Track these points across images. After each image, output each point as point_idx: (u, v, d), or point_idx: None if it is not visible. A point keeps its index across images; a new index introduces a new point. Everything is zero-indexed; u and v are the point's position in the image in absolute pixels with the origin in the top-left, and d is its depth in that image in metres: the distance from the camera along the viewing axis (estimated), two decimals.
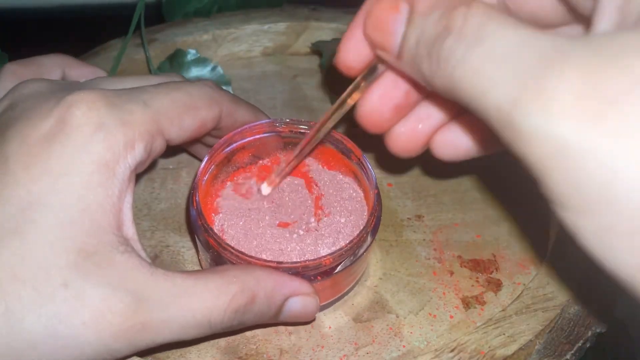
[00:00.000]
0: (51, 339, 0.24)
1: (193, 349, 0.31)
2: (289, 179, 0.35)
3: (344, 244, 0.30)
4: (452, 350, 0.30)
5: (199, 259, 0.36)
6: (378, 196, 0.32)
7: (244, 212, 0.33)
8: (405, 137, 0.29)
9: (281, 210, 0.34)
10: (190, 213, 0.31)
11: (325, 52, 0.47)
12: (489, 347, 0.30)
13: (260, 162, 0.36)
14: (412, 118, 0.29)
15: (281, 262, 0.29)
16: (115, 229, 0.26)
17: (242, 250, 0.30)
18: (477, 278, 0.35)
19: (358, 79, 0.27)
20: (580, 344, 0.30)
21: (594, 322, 0.31)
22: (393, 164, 0.41)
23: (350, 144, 0.34)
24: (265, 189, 0.33)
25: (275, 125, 0.35)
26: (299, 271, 0.29)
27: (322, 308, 0.33)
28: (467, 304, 0.34)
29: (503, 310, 0.32)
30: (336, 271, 0.30)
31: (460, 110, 0.29)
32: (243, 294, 0.27)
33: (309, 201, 0.34)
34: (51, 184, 0.25)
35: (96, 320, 0.24)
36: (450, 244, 0.37)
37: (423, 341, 0.32)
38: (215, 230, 0.31)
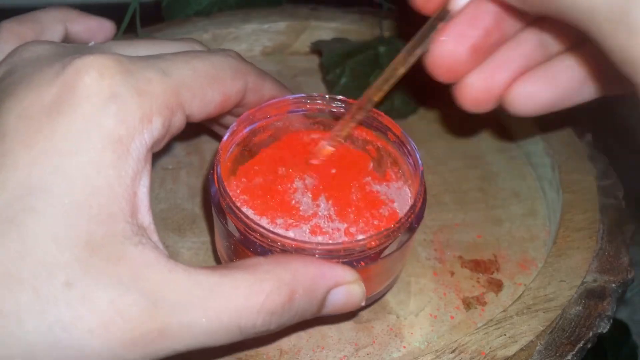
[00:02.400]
0: (53, 350, 0.21)
1: None
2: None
3: (390, 225, 0.27)
4: (452, 351, 0.29)
5: (216, 249, 0.32)
6: (422, 174, 0.29)
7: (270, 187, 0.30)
8: (480, 86, 0.26)
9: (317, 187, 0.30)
10: (211, 191, 0.27)
11: (325, 51, 0.47)
12: (490, 347, 0.30)
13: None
14: (490, 64, 0.26)
15: (320, 243, 0.25)
16: (128, 216, 0.22)
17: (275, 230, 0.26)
18: (478, 278, 0.35)
19: (432, 18, 0.25)
20: (581, 345, 0.30)
21: (595, 322, 0.31)
22: None
23: (387, 120, 0.31)
24: (323, 149, 0.30)
25: (304, 101, 0.31)
26: (340, 255, 0.26)
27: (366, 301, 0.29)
28: (467, 304, 0.34)
29: (504, 310, 0.31)
30: (382, 255, 0.27)
31: (545, 51, 0.26)
32: (279, 291, 0.23)
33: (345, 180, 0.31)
34: (55, 166, 0.21)
35: (105, 327, 0.21)
36: (451, 244, 0.37)
37: (423, 342, 0.32)
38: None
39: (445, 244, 0.37)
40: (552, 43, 0.27)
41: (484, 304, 0.34)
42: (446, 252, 0.36)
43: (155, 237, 0.24)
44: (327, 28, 0.50)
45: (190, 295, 0.22)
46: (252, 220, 0.25)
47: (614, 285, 0.32)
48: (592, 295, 0.32)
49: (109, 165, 0.22)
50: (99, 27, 0.31)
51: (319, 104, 0.32)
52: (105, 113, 0.22)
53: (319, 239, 0.28)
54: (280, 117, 0.32)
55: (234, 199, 0.27)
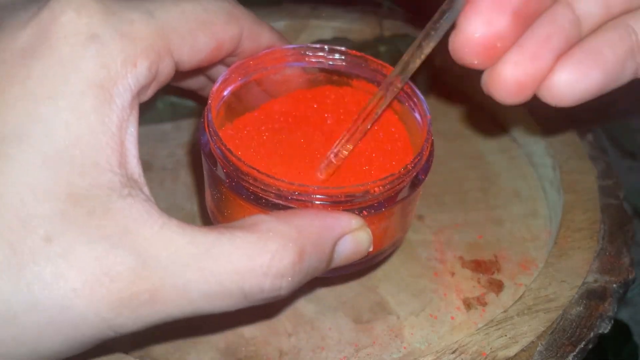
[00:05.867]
0: (34, 311, 0.19)
1: (191, 349, 0.31)
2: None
3: (395, 172, 0.25)
4: (453, 352, 0.29)
5: (209, 211, 0.30)
6: (430, 122, 0.27)
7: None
8: (523, 68, 0.22)
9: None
10: (201, 140, 0.26)
11: None
12: (491, 348, 0.29)
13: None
14: (529, 41, 0.22)
15: (320, 187, 0.24)
16: (115, 167, 0.21)
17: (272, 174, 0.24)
18: (479, 279, 0.35)
19: None
20: (582, 345, 0.30)
21: (596, 323, 0.31)
22: None
23: (386, 69, 0.29)
24: (329, 164, 0.27)
25: (303, 52, 0.29)
26: (341, 200, 0.24)
27: (368, 261, 0.28)
28: (468, 305, 0.34)
29: (505, 311, 0.31)
30: (386, 206, 0.25)
31: (578, 28, 0.23)
32: (286, 250, 0.21)
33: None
34: (31, 111, 0.20)
35: (90, 287, 0.19)
36: (452, 244, 0.37)
37: (424, 342, 0.32)
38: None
39: (445, 244, 0.37)
40: (584, 18, 0.24)
41: (485, 304, 0.34)
42: (447, 252, 0.36)
43: (146, 190, 0.22)
44: (327, 27, 0.50)
45: (184, 254, 0.20)
46: (244, 162, 0.23)
47: (615, 285, 0.32)
48: (593, 296, 0.32)
49: (91, 111, 0.20)
50: None
51: (319, 55, 0.30)
52: (84, 55, 0.20)
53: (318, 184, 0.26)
54: (277, 70, 0.29)
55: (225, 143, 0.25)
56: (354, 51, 0.30)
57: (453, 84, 0.46)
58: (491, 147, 0.43)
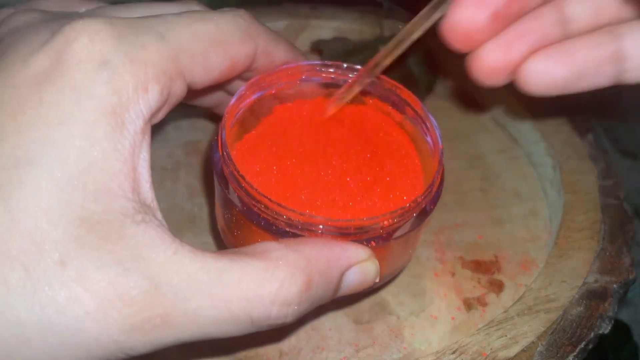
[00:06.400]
0: (48, 334, 0.19)
1: (191, 350, 0.31)
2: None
3: (405, 204, 0.25)
4: (453, 352, 0.29)
5: (219, 228, 0.30)
6: (442, 153, 0.27)
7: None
8: (497, 55, 0.25)
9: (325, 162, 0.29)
10: (214, 158, 0.25)
11: (325, 51, 0.47)
12: (491, 348, 0.29)
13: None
14: (508, 34, 0.25)
15: (330, 219, 0.24)
16: (128, 192, 0.21)
17: (284, 203, 0.24)
18: (479, 279, 0.35)
19: None
20: (582, 346, 0.30)
21: (597, 323, 0.31)
22: None
23: (405, 94, 0.29)
24: (327, 110, 0.29)
25: (318, 69, 0.30)
26: (350, 232, 0.24)
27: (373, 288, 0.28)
28: (468, 305, 0.34)
29: (505, 311, 0.31)
30: (395, 236, 0.25)
31: (565, 28, 0.26)
32: (294, 279, 0.21)
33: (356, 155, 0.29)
34: (44, 136, 0.20)
35: (103, 310, 0.19)
36: (452, 244, 0.37)
37: (424, 343, 0.32)
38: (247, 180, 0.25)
39: (446, 245, 0.37)
40: (573, 20, 0.27)
41: (485, 304, 0.34)
42: (447, 252, 0.36)
43: (159, 215, 0.22)
44: (328, 27, 0.50)
45: (196, 280, 0.20)
46: (256, 190, 0.24)
47: (615, 285, 0.32)
48: (593, 296, 0.32)
49: (104, 138, 0.20)
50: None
51: (333, 72, 0.30)
52: (96, 81, 0.21)
53: (329, 213, 0.26)
54: (292, 85, 0.30)
55: (238, 166, 0.25)
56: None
57: (453, 84, 0.46)
58: (491, 147, 0.43)
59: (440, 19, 0.24)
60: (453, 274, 0.35)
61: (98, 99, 0.21)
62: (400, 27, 0.26)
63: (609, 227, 0.35)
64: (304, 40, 0.50)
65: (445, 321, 0.33)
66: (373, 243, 0.25)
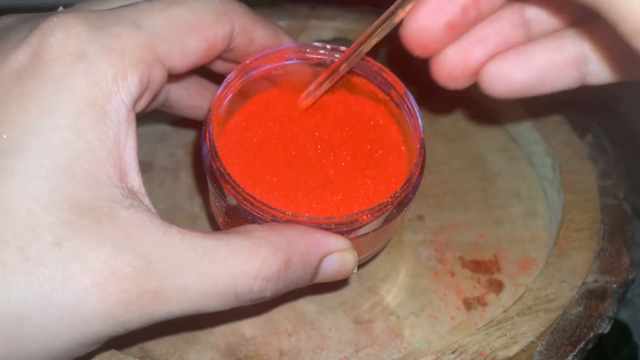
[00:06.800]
0: (47, 310, 0.20)
1: (191, 349, 0.31)
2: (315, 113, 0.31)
3: (383, 199, 0.26)
4: (453, 352, 0.29)
5: (212, 212, 0.31)
6: (423, 143, 0.28)
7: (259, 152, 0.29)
8: (455, 61, 0.25)
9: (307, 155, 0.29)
10: (202, 152, 0.26)
11: None
12: (491, 348, 0.29)
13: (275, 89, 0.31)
14: (466, 40, 0.25)
15: (312, 218, 0.25)
16: (116, 180, 0.22)
17: (266, 202, 0.25)
18: (479, 279, 0.35)
19: None
20: (582, 346, 0.30)
21: (596, 323, 0.31)
22: None
23: (391, 77, 0.30)
24: (304, 100, 0.29)
25: (304, 51, 0.30)
26: (332, 228, 0.25)
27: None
28: (468, 305, 0.34)
29: (505, 311, 0.31)
30: (374, 229, 0.27)
31: (526, 31, 0.26)
32: (275, 257, 0.23)
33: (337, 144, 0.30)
34: (28, 127, 0.21)
35: (99, 286, 0.20)
36: (452, 244, 0.37)
37: (424, 343, 0.32)
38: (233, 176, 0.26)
39: (445, 245, 0.37)
40: (534, 23, 0.27)
41: (485, 304, 0.34)
42: (447, 252, 0.36)
43: (147, 201, 0.23)
44: (327, 27, 0.50)
45: (185, 259, 0.22)
46: (242, 189, 0.25)
47: (615, 285, 0.32)
48: (593, 296, 0.32)
49: (88, 128, 0.21)
50: None
51: (320, 54, 0.30)
52: (75, 75, 0.21)
53: (313, 207, 0.27)
54: (279, 66, 0.30)
55: (225, 162, 0.26)
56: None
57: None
58: (491, 147, 0.43)
59: (402, 21, 0.25)
60: (453, 274, 0.35)
61: (78, 91, 0.21)
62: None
63: (609, 227, 0.35)
64: (304, 41, 0.50)
65: (445, 321, 0.33)
66: (353, 235, 0.26)
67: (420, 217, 0.38)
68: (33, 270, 0.20)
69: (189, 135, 0.42)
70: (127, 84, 0.22)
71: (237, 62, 0.29)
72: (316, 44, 0.30)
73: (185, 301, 0.22)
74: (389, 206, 0.26)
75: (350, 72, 0.30)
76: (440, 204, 0.39)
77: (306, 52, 0.30)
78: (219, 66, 0.30)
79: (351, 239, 0.26)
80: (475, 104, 0.45)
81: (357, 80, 0.31)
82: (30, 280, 0.20)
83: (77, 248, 0.20)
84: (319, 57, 0.30)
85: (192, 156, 0.41)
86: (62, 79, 0.21)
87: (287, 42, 0.30)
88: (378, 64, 0.30)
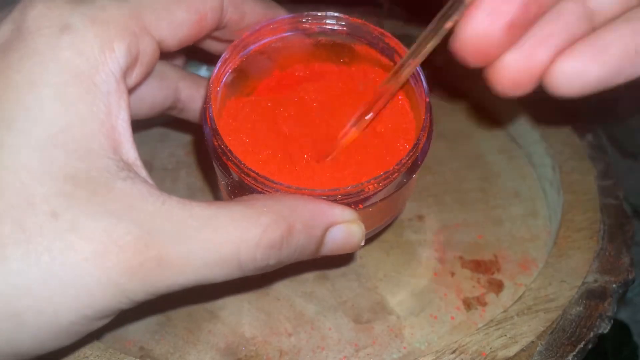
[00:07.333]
0: (47, 281, 0.19)
1: (191, 349, 0.31)
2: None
3: (390, 167, 0.25)
4: (453, 352, 0.29)
5: (220, 189, 0.31)
6: (429, 107, 0.26)
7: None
8: (518, 66, 0.23)
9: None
10: (204, 131, 0.26)
11: None
12: (491, 348, 0.29)
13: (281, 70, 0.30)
14: (528, 42, 0.23)
15: (316, 190, 0.24)
16: (110, 152, 0.21)
17: (269, 177, 0.24)
18: (479, 279, 0.35)
19: None
20: (582, 345, 0.30)
21: (596, 323, 0.31)
22: None
23: (393, 42, 0.28)
24: (347, 136, 0.27)
25: (301, 21, 0.28)
26: (338, 199, 0.24)
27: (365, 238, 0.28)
28: (468, 305, 0.34)
29: (504, 311, 0.31)
30: (381, 198, 0.26)
31: (591, 21, 0.24)
32: (277, 225, 0.22)
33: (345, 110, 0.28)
34: (14, 98, 0.20)
35: (100, 255, 0.20)
36: (452, 244, 0.37)
37: (424, 342, 0.32)
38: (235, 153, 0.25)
39: (445, 244, 0.37)
40: (597, 11, 0.24)
41: (485, 304, 0.34)
42: (447, 252, 0.36)
43: (144, 173, 0.23)
44: None
45: (186, 226, 0.21)
46: (244, 166, 0.24)
47: (614, 285, 0.32)
48: (592, 296, 0.32)
49: (77, 100, 0.21)
50: None
51: (317, 23, 0.29)
52: (60, 46, 0.21)
53: (316, 179, 0.27)
54: (278, 40, 0.29)
55: (226, 139, 0.26)
56: (353, 18, 0.29)
57: (454, 83, 0.46)
58: (491, 147, 0.43)
59: (450, 31, 0.22)
60: (453, 274, 0.35)
61: (65, 62, 0.21)
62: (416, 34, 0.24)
63: (609, 227, 0.35)
64: None
65: (444, 321, 0.33)
66: (360, 206, 0.25)
67: (420, 217, 0.38)
68: (30, 241, 0.19)
69: (189, 135, 0.42)
70: (115, 54, 0.22)
71: (232, 42, 0.28)
72: (313, 12, 0.29)
73: (188, 269, 0.21)
74: (396, 174, 0.25)
75: (351, 38, 0.28)
76: (440, 204, 0.39)
77: (303, 23, 0.29)
78: (216, 47, 0.30)
79: (358, 210, 0.25)
80: (475, 104, 0.45)
81: (359, 47, 0.30)
82: (28, 251, 0.19)
83: (74, 218, 0.20)
84: (318, 26, 0.29)
85: (192, 156, 0.41)
86: (48, 51, 0.21)
87: (281, 14, 0.29)
88: (379, 29, 0.29)
